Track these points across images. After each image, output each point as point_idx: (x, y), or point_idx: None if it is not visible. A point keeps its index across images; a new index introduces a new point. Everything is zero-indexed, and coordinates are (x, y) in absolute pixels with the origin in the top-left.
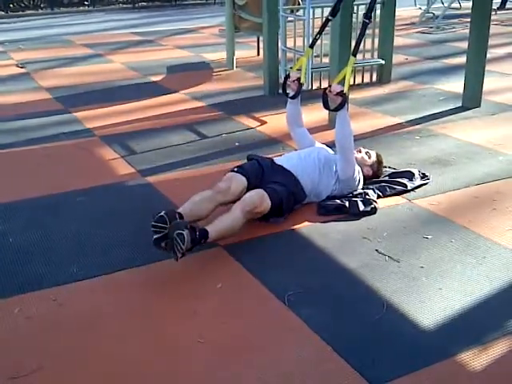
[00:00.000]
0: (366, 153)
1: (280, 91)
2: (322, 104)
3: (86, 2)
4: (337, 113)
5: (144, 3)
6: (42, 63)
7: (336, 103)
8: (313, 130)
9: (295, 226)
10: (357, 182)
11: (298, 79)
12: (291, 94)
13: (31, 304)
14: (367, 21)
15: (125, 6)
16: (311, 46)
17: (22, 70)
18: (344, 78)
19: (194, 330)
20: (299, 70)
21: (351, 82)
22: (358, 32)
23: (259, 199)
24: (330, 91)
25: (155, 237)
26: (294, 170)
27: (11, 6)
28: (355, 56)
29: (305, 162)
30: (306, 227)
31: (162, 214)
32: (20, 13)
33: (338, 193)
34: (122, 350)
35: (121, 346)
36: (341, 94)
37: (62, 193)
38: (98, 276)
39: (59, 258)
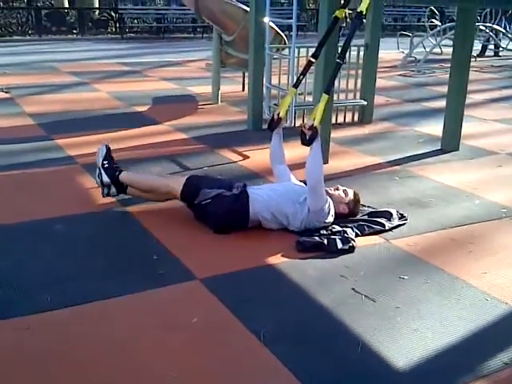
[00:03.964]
0: (344, 191)
1: (264, 127)
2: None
3: (74, 31)
4: (311, 146)
5: (132, 34)
6: (27, 89)
7: (308, 137)
8: (294, 166)
9: (273, 262)
10: (325, 215)
11: (278, 113)
12: (272, 126)
13: (3, 332)
14: (340, 61)
15: (113, 36)
16: (295, 86)
17: (7, 95)
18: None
19: (167, 363)
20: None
21: (333, 121)
22: (332, 71)
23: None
24: (304, 127)
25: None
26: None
27: None
28: (328, 94)
29: (268, 185)
30: (283, 263)
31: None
32: (7, 38)
33: (307, 223)
34: (93, 382)
35: (92, 378)
36: (311, 128)
37: (38, 220)
38: (71, 306)
39: (32, 285)
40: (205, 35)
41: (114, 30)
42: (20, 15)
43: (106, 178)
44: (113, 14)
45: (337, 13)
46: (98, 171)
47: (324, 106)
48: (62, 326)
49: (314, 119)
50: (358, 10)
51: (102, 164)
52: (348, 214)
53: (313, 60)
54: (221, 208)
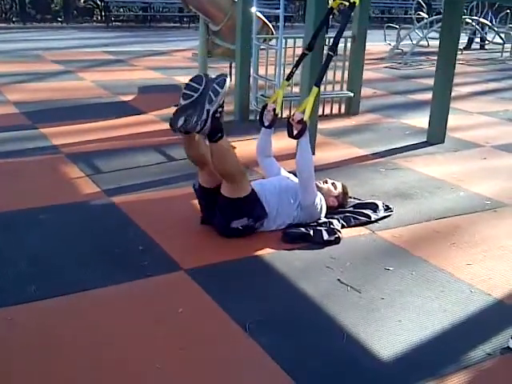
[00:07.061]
0: (332, 184)
1: (251, 118)
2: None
3: (59, 19)
4: (298, 140)
5: (118, 23)
6: (11, 77)
7: (297, 131)
8: (280, 158)
9: (259, 253)
10: (318, 210)
11: (274, 110)
12: (266, 123)
13: None
14: (332, 53)
15: (98, 24)
16: (287, 79)
17: None
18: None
19: (153, 354)
20: (275, 101)
21: (320, 113)
22: (323, 63)
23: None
24: (292, 119)
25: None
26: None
27: None
28: (318, 86)
29: (265, 187)
30: (269, 254)
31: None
32: None
33: (300, 221)
34: (77, 374)
35: (76, 369)
36: (301, 122)
37: (22, 210)
38: (57, 296)
39: (17, 276)
40: (192, 25)
41: (99, 18)
42: (4, 2)
43: (207, 129)
44: (98, 2)
45: (331, 3)
46: (203, 115)
47: (314, 99)
48: (46, 316)
49: (303, 112)
50: (352, 1)
51: (215, 111)
52: (337, 207)
53: (307, 52)
54: (228, 220)
